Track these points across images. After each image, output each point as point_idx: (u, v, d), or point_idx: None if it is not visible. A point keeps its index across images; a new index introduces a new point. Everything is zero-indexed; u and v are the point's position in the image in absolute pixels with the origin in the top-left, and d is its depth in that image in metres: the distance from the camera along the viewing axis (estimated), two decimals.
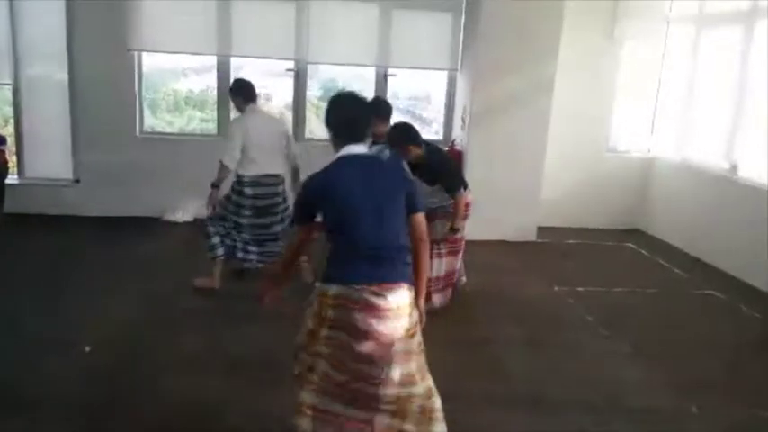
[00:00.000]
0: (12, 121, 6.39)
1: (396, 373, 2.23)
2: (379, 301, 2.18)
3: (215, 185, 4.43)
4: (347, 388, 2.25)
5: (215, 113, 6.62)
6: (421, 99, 7.54)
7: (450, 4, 6.49)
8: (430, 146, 4.19)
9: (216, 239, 4.48)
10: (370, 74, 6.73)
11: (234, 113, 5.08)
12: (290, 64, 6.48)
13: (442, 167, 4.13)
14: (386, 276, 2.22)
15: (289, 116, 6.59)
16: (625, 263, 6.00)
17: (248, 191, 4.43)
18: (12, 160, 6.34)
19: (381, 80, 6.66)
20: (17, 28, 6.08)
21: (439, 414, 2.34)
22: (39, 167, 6.42)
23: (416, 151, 4.03)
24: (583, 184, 6.80)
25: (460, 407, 3.11)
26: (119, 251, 5.36)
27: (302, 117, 6.67)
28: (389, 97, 6.72)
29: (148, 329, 3.90)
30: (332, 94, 2.55)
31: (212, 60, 6.37)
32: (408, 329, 2.27)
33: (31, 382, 3.18)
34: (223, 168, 4.38)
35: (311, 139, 6.60)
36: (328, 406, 2.27)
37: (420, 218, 2.43)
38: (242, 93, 4.56)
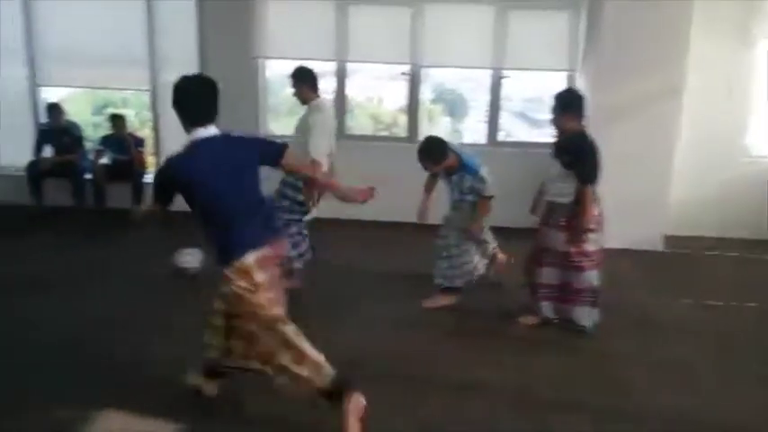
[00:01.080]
0: (150, 124, 6.97)
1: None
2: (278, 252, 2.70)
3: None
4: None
5: None
6: (534, 101, 7.37)
7: (568, 3, 6.31)
8: (585, 132, 4.03)
9: (304, 247, 4.39)
10: (480, 76, 6.69)
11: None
12: (406, 67, 6.57)
13: (579, 154, 3.92)
14: (269, 233, 2.65)
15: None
16: (760, 276, 5.53)
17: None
18: (149, 161, 6.93)
19: (496, 82, 6.58)
20: (155, 40, 6.66)
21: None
22: None
23: (572, 124, 3.95)
24: (716, 191, 6.34)
25: (583, 420, 3.03)
26: None
27: (415, 120, 6.74)
28: (503, 99, 6.64)
29: None
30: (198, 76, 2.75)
31: (327, 65, 6.51)
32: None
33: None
34: (319, 165, 4.01)
35: None
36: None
37: (288, 156, 2.69)
38: (309, 80, 4.30)
